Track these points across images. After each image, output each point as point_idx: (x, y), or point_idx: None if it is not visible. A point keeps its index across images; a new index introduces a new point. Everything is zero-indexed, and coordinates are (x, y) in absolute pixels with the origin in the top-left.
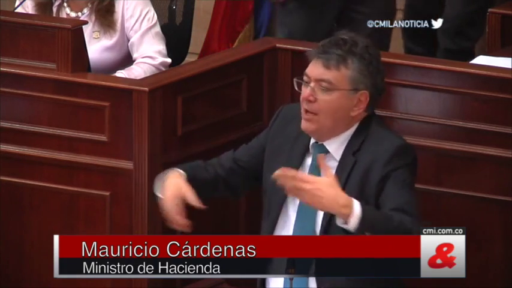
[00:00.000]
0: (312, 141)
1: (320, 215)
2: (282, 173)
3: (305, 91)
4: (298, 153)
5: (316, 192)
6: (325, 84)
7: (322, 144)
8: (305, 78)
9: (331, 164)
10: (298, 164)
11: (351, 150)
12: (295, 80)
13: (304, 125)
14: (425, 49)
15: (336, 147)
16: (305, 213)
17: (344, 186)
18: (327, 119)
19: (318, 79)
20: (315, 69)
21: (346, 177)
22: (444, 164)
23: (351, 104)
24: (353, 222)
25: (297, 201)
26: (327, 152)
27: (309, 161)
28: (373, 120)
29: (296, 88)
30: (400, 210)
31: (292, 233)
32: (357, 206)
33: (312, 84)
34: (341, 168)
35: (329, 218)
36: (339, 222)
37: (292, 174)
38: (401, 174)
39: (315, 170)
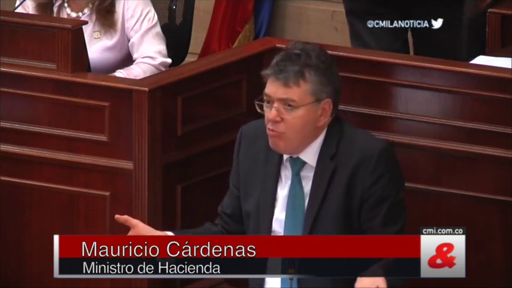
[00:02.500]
0: (286, 156)
1: (304, 229)
2: None
3: (269, 112)
4: (273, 168)
5: None
6: (289, 103)
7: (298, 157)
8: (266, 98)
9: (311, 173)
10: (275, 180)
11: (328, 155)
12: (256, 102)
13: (273, 144)
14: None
15: (312, 156)
16: (292, 228)
17: (326, 192)
18: (296, 136)
19: (280, 99)
20: (275, 89)
21: (327, 183)
22: (444, 164)
23: (316, 115)
24: None
25: (283, 217)
26: (304, 163)
27: (286, 174)
28: (342, 121)
29: (258, 110)
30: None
31: None
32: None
33: (275, 105)
34: (320, 175)
35: (309, 231)
36: None
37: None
38: (385, 185)
39: (296, 183)
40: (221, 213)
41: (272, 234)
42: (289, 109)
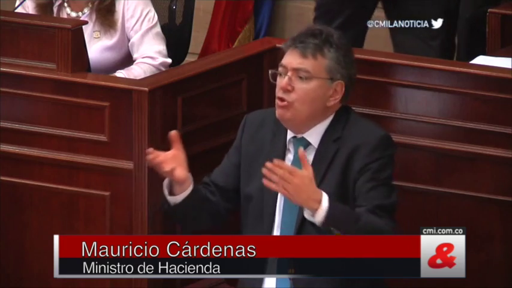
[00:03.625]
0: (289, 136)
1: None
2: (274, 164)
3: (282, 81)
4: (278, 153)
5: (299, 187)
6: (302, 73)
7: (302, 137)
8: (281, 69)
9: (313, 156)
10: None
11: (331, 138)
12: (270, 71)
13: (280, 112)
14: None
15: (315, 137)
16: (288, 208)
17: (325, 174)
18: (303, 108)
19: (295, 68)
20: (292, 58)
21: (328, 164)
22: (444, 164)
23: (327, 94)
24: (319, 216)
25: (282, 202)
26: (308, 144)
27: (289, 158)
28: (350, 110)
29: (271, 80)
30: (371, 211)
31: (280, 228)
32: (325, 201)
33: (289, 74)
34: (322, 156)
35: (302, 219)
36: (307, 214)
37: (283, 166)
38: (381, 166)
39: (297, 164)
40: (210, 183)
41: (275, 219)
42: (302, 79)
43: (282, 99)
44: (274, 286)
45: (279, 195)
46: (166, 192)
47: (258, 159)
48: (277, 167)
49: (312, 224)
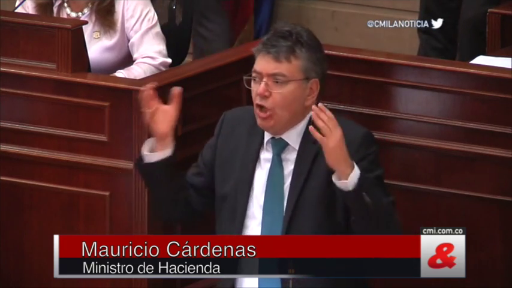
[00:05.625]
0: (267, 137)
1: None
2: (320, 108)
3: (258, 87)
4: (253, 150)
5: (339, 143)
6: (279, 78)
7: (280, 137)
8: (254, 74)
9: (292, 156)
10: (253, 162)
11: (311, 139)
12: (244, 77)
13: (261, 122)
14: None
15: (294, 138)
16: (271, 210)
17: (307, 176)
18: (283, 112)
19: (270, 74)
20: (265, 64)
21: (309, 166)
22: (444, 164)
23: (304, 94)
24: (353, 178)
25: (261, 200)
26: (286, 144)
27: (265, 155)
28: None
29: (246, 86)
30: None
31: (261, 228)
32: (356, 167)
33: (265, 79)
34: (302, 158)
35: (291, 214)
36: (335, 178)
37: (328, 114)
38: (369, 166)
39: (276, 163)
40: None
41: (249, 219)
42: (278, 84)
43: (261, 107)
44: (257, 286)
45: (255, 195)
46: (145, 147)
47: (233, 161)
48: (323, 113)
49: (302, 222)
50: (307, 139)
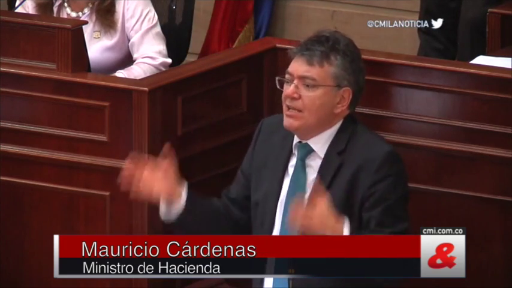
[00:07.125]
0: (295, 141)
1: None
2: (293, 216)
3: (288, 88)
4: (283, 157)
5: (321, 225)
6: (308, 81)
7: (307, 143)
8: (287, 76)
9: (316, 163)
10: (283, 169)
11: (336, 149)
12: (277, 78)
13: (287, 121)
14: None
15: (320, 145)
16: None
17: (329, 187)
18: (311, 116)
19: (301, 76)
20: (298, 66)
21: (331, 177)
22: (444, 164)
23: (334, 101)
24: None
25: (282, 206)
26: (311, 150)
27: (292, 162)
28: (357, 122)
29: (278, 86)
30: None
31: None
32: (346, 231)
33: (295, 82)
34: (326, 167)
35: None
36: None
37: (301, 214)
38: (390, 186)
39: (300, 168)
40: (223, 196)
41: (276, 227)
42: (308, 87)
43: (289, 108)
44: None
45: (281, 200)
46: (161, 212)
47: (267, 167)
48: (296, 218)
49: None
50: (333, 148)
